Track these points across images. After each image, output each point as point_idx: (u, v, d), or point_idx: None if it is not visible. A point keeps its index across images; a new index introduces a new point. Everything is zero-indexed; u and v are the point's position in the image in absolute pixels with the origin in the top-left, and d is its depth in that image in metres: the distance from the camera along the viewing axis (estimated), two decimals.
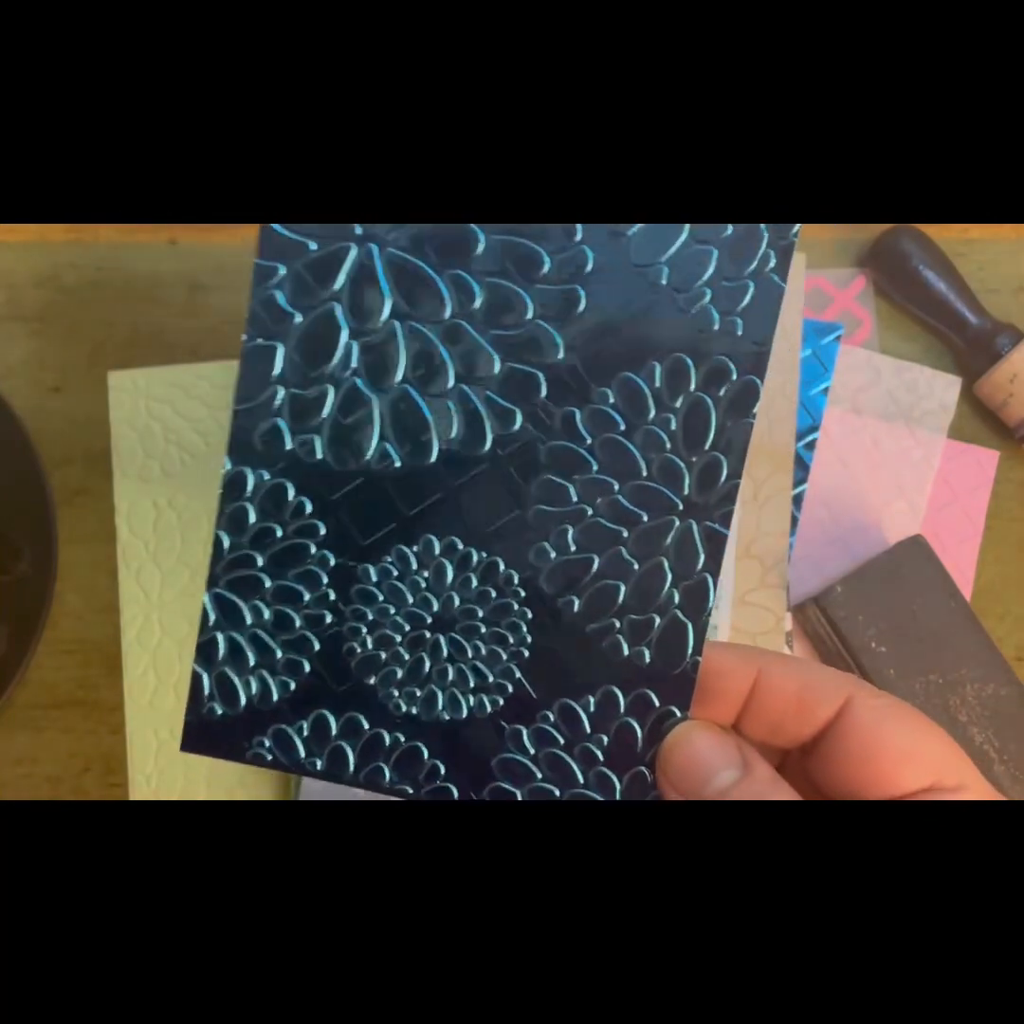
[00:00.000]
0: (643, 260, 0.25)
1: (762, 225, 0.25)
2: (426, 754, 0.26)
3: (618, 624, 0.26)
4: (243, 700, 0.26)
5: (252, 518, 0.26)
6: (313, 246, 0.25)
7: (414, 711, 0.26)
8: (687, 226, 0.25)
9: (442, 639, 0.26)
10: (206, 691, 0.26)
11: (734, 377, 0.25)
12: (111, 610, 0.46)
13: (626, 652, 0.26)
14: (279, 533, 0.26)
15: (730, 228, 0.25)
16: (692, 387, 0.25)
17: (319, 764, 0.26)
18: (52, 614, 0.46)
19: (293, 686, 0.26)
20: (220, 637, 0.26)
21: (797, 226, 0.25)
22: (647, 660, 0.26)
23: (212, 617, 0.26)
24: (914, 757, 0.24)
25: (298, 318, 0.25)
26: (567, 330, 0.25)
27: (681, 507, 0.25)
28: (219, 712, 0.26)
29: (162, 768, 0.45)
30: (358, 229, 0.25)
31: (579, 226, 0.25)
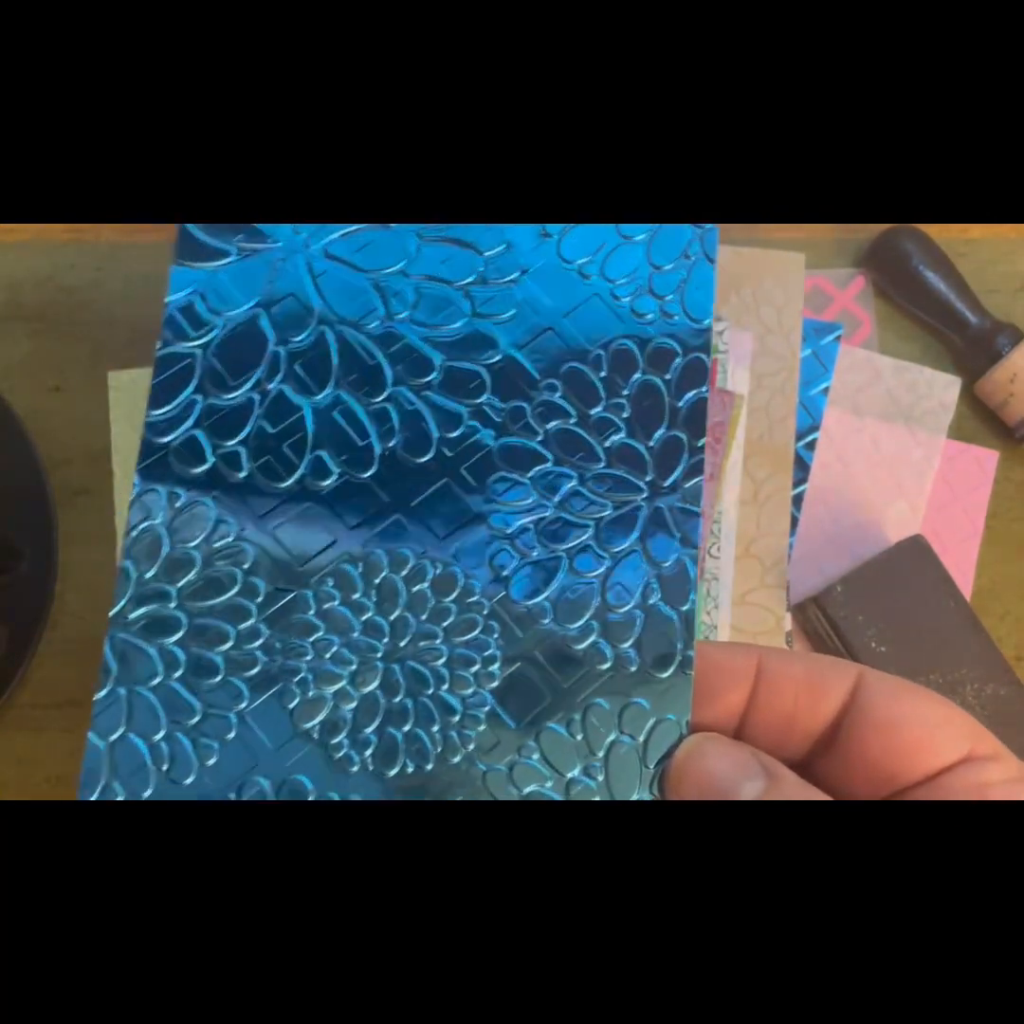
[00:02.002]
0: (574, 257, 0.25)
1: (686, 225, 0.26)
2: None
3: (597, 626, 0.23)
4: (152, 773, 0.22)
5: (165, 545, 0.22)
6: (234, 252, 0.24)
7: (370, 766, 0.22)
8: (613, 226, 0.25)
9: (397, 670, 0.22)
10: (104, 765, 0.22)
11: (680, 356, 0.25)
12: None
13: (609, 657, 0.23)
14: (198, 561, 0.22)
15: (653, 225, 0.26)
16: (639, 371, 0.24)
17: None
18: (52, 614, 0.46)
19: (218, 747, 0.22)
20: (123, 693, 0.22)
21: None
22: (633, 663, 0.23)
23: (114, 668, 0.22)
24: (945, 724, 0.23)
25: (219, 325, 0.23)
26: (506, 327, 0.24)
27: (647, 492, 0.24)
28: (120, 793, 0.22)
29: None
30: (280, 238, 0.24)
31: (507, 228, 0.25)
